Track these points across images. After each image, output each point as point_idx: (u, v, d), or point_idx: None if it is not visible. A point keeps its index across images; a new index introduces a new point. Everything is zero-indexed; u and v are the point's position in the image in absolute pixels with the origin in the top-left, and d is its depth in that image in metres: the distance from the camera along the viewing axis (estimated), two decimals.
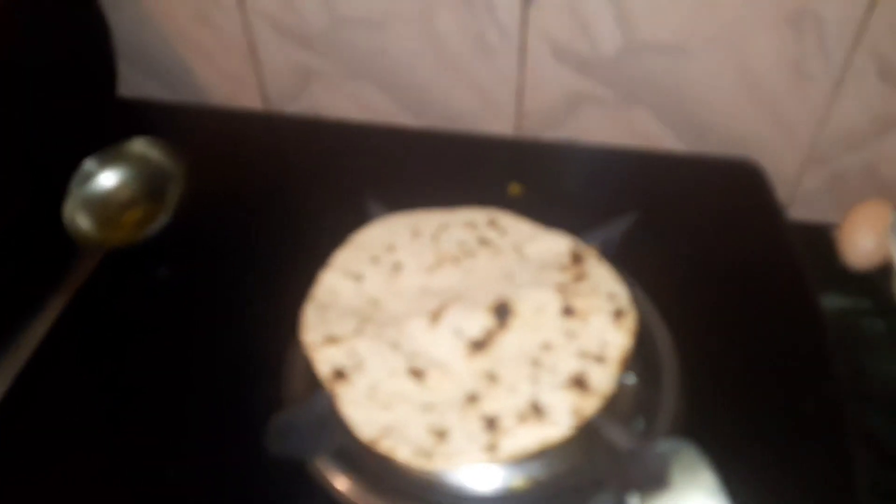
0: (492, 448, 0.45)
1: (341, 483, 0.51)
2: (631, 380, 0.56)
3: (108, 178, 0.72)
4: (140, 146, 0.73)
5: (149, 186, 0.73)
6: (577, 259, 0.57)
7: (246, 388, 0.58)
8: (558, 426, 0.46)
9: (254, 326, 0.62)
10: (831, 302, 0.77)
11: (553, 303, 0.54)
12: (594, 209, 0.73)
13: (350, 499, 0.50)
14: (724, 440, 0.53)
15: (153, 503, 0.53)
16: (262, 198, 0.76)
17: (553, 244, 0.59)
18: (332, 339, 0.52)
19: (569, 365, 0.50)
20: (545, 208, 0.70)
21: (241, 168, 0.80)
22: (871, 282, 0.78)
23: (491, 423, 0.47)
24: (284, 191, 0.77)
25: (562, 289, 0.54)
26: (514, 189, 0.76)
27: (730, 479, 0.49)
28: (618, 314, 0.52)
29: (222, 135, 0.86)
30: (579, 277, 0.55)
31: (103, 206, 0.72)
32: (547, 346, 0.51)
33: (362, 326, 0.53)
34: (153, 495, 0.53)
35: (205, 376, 0.60)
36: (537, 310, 0.53)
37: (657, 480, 0.46)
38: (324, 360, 0.50)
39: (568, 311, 0.53)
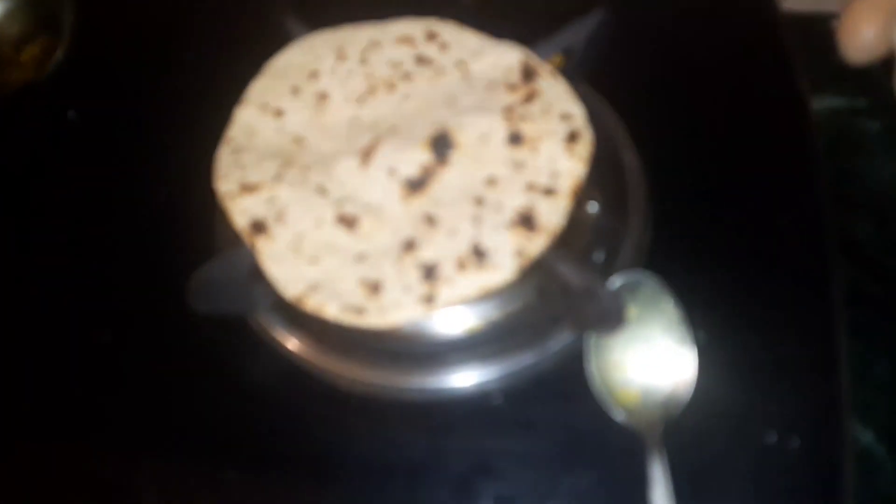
0: (429, 299, 0.41)
1: (285, 338, 0.48)
2: (593, 208, 0.51)
3: None
4: None
5: (38, 16, 0.63)
6: (528, 75, 0.49)
7: (171, 241, 0.53)
8: (501, 270, 0.41)
9: (172, 172, 0.56)
10: (825, 101, 0.70)
11: (499, 130, 0.46)
12: (554, 8, 0.63)
13: (296, 354, 0.48)
14: (690, 267, 0.49)
15: (85, 372, 0.50)
16: (168, 18, 0.65)
17: (502, 58, 0.50)
18: (249, 188, 0.45)
19: (515, 201, 0.44)
20: (497, 10, 0.61)
21: None
22: (869, 78, 0.71)
23: (429, 272, 0.42)
24: (193, 9, 0.66)
25: (509, 112, 0.47)
26: None
27: (694, 307, 0.46)
28: (571, 138, 0.45)
29: None
30: (530, 97, 0.47)
31: None
32: (491, 182, 0.45)
33: (284, 171, 0.46)
34: (84, 363, 0.50)
35: (125, 229, 0.55)
36: (481, 139, 0.46)
37: (613, 319, 0.43)
38: (240, 211, 0.44)
39: (515, 139, 0.46)
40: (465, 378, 0.46)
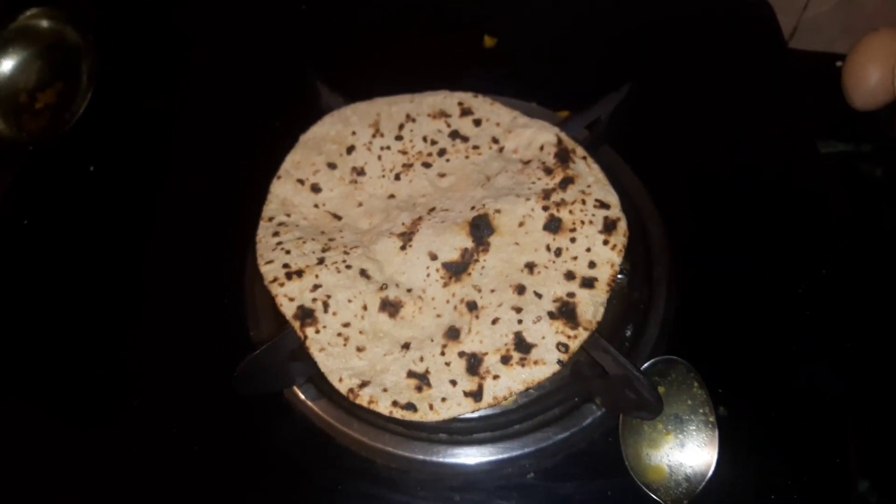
0: (476, 394, 0.42)
1: (320, 408, 0.49)
2: (621, 279, 0.53)
3: (5, 64, 0.60)
4: (37, 18, 0.60)
5: (56, 63, 0.62)
6: (563, 157, 0.50)
7: (209, 319, 0.53)
8: (545, 365, 0.43)
9: (203, 238, 0.56)
10: (831, 146, 0.72)
11: (537, 215, 0.48)
12: (579, 66, 0.64)
13: (330, 423, 0.49)
14: (713, 342, 0.51)
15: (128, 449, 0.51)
16: (190, 72, 0.64)
17: (536, 137, 0.51)
18: (293, 272, 0.46)
19: (555, 290, 0.45)
20: (523, 67, 0.62)
21: (162, 31, 0.67)
22: (874, 122, 0.73)
23: (473, 365, 0.43)
24: (214, 62, 0.65)
25: (546, 197, 0.48)
26: (489, 41, 0.65)
27: (715, 383, 0.48)
28: (608, 227, 0.47)
29: None
30: (566, 181, 0.49)
31: (9, 95, 0.61)
32: (531, 268, 0.46)
33: (325, 252, 0.47)
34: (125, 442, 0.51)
35: (159, 302, 0.55)
36: (520, 224, 0.48)
37: (652, 409, 0.45)
38: (287, 297, 0.45)
39: (554, 225, 0.47)
40: (497, 453, 0.48)
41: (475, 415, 0.48)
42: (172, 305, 0.54)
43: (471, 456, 0.48)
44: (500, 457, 0.48)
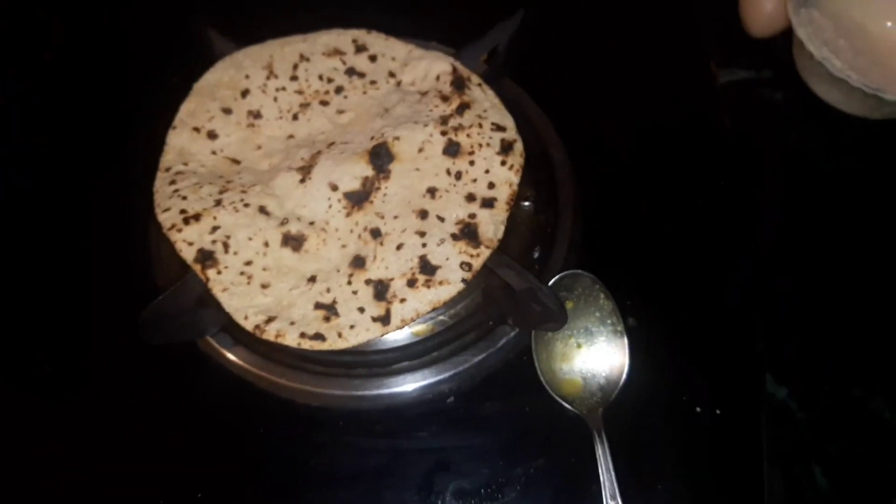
0: (384, 318, 0.43)
1: (236, 358, 0.49)
2: (527, 206, 0.54)
3: None
4: None
5: None
6: (458, 85, 0.50)
7: (114, 272, 0.52)
8: (450, 284, 0.44)
9: (107, 199, 0.54)
10: (733, 74, 0.75)
11: (436, 140, 0.48)
12: (477, 2, 0.64)
13: (250, 371, 0.49)
14: (619, 258, 0.53)
15: (46, 408, 0.49)
16: (82, 27, 0.62)
17: (431, 67, 0.51)
18: (191, 216, 0.46)
19: (456, 213, 0.46)
20: (420, 6, 0.62)
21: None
22: (772, 50, 0.75)
23: (380, 291, 0.44)
24: (104, 12, 0.63)
25: (444, 122, 0.48)
26: None
27: (623, 296, 0.50)
28: (505, 149, 0.47)
29: None
30: (462, 107, 0.49)
31: None
32: (432, 193, 0.47)
33: (223, 194, 0.47)
34: (43, 401, 0.49)
35: (67, 264, 0.53)
36: (419, 150, 0.48)
37: (556, 316, 0.46)
38: (186, 243, 0.45)
39: (452, 150, 0.48)
40: (417, 381, 0.48)
41: (394, 344, 0.48)
42: (77, 266, 0.53)
43: (390, 386, 0.48)
44: (420, 384, 0.48)
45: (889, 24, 0.73)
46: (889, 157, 0.69)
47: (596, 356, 0.49)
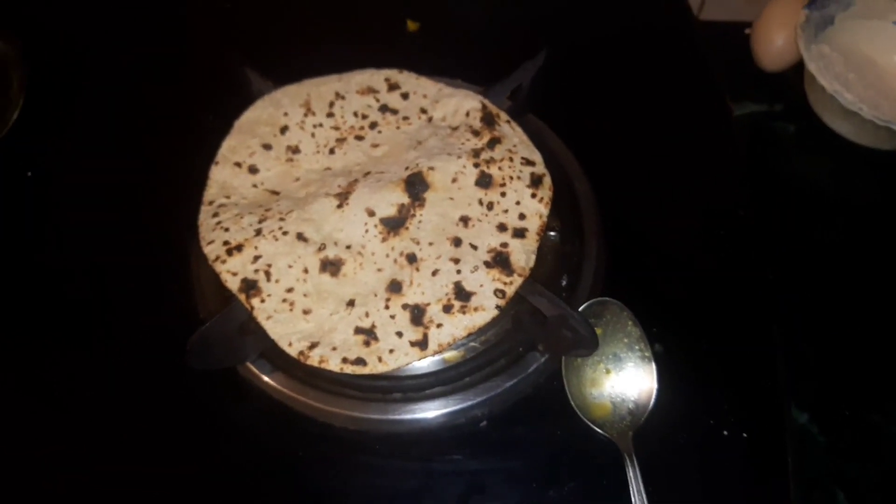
0: (422, 343, 0.44)
1: (276, 382, 0.50)
2: (554, 237, 0.55)
3: None
4: None
5: None
6: (488, 121, 0.52)
7: (157, 303, 0.54)
8: (485, 311, 0.45)
9: (150, 233, 0.57)
10: (745, 108, 0.77)
11: (469, 172, 0.50)
12: (499, 43, 0.67)
13: (288, 396, 0.50)
14: (644, 285, 0.54)
15: (91, 437, 0.51)
16: (119, 73, 0.65)
17: (461, 104, 0.54)
18: (233, 247, 0.48)
19: (489, 241, 0.48)
20: (447, 48, 0.65)
21: (88, 40, 0.68)
22: (784, 83, 0.77)
23: (417, 316, 0.45)
24: (144, 59, 0.66)
25: (476, 155, 0.51)
26: (411, 25, 0.68)
27: (650, 323, 0.51)
28: (534, 182, 0.50)
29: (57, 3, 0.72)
30: (493, 141, 0.51)
31: None
32: (465, 221, 0.49)
33: (262, 223, 0.48)
34: (88, 429, 0.51)
35: (110, 296, 0.55)
36: (453, 180, 0.50)
37: (587, 343, 0.47)
38: (230, 273, 0.47)
39: (485, 181, 0.50)
40: (450, 405, 0.49)
41: (427, 370, 0.50)
42: (124, 299, 0.55)
43: (425, 410, 0.49)
44: (453, 409, 0.50)
45: None
46: None
47: (625, 381, 0.50)
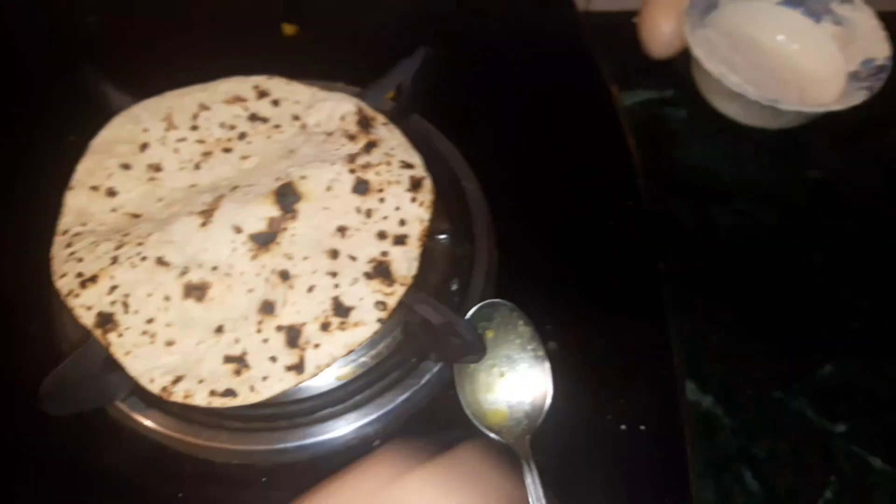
0: (298, 367, 0.42)
1: (148, 421, 0.47)
2: (444, 239, 0.54)
3: None
4: None
5: None
6: (364, 124, 0.50)
7: (13, 345, 0.50)
8: (366, 325, 0.43)
9: (7, 270, 0.52)
10: (636, 96, 0.77)
11: (344, 179, 0.48)
12: (381, 43, 0.65)
13: (164, 434, 0.46)
14: (535, 285, 0.53)
15: None
16: None
17: (336, 108, 0.51)
18: (87, 279, 0.44)
19: (368, 251, 0.45)
20: (326, 52, 0.62)
21: None
22: (673, 70, 0.78)
23: (292, 338, 0.43)
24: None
25: (351, 160, 0.48)
26: (288, 29, 0.65)
27: (542, 322, 0.50)
28: (414, 186, 0.48)
29: None
30: (369, 146, 0.49)
31: None
32: (342, 231, 0.46)
33: (119, 249, 0.45)
34: None
35: None
36: (327, 189, 0.47)
37: (474, 348, 0.46)
38: (84, 307, 0.43)
39: (361, 188, 0.48)
40: (341, 427, 0.47)
41: (315, 391, 0.47)
42: None
43: (314, 435, 0.47)
44: (344, 430, 0.47)
45: (780, 37, 0.77)
46: (788, 162, 0.72)
47: (519, 383, 0.49)
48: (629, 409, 0.49)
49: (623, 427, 0.49)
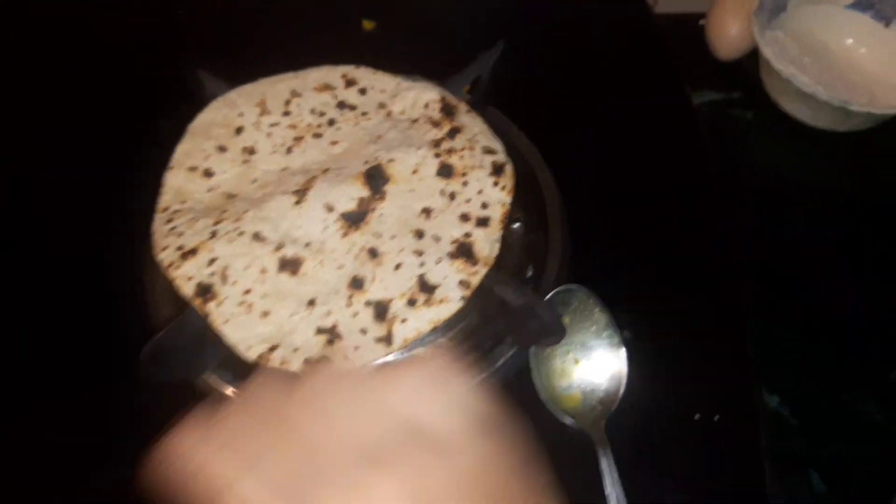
0: (387, 339, 0.43)
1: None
2: (518, 227, 0.55)
3: None
4: None
5: None
6: (448, 112, 0.52)
7: (109, 317, 0.52)
8: (449, 303, 0.44)
9: (105, 246, 0.55)
10: (703, 96, 0.78)
11: (429, 163, 0.49)
12: (457, 39, 0.67)
13: None
14: (610, 272, 0.54)
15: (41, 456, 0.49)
16: (67, 76, 0.63)
17: (420, 97, 0.53)
18: (187, 252, 0.46)
19: (452, 232, 0.47)
20: (403, 46, 0.64)
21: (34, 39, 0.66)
22: (740, 71, 0.78)
23: (381, 312, 0.44)
24: (90, 67, 0.65)
25: (436, 145, 0.50)
26: (368, 25, 0.67)
27: (618, 309, 0.51)
28: (496, 171, 0.49)
29: None
30: (453, 131, 0.51)
31: None
32: (427, 213, 0.48)
33: (217, 225, 0.47)
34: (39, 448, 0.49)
35: (62, 310, 0.53)
36: (413, 172, 0.49)
37: (554, 331, 0.47)
38: (185, 278, 0.45)
39: (446, 171, 0.49)
40: None
41: None
42: (74, 313, 0.52)
43: None
44: None
45: (849, 41, 0.77)
46: (856, 165, 0.72)
47: (594, 370, 0.49)
48: (703, 399, 0.50)
49: (697, 416, 0.49)
